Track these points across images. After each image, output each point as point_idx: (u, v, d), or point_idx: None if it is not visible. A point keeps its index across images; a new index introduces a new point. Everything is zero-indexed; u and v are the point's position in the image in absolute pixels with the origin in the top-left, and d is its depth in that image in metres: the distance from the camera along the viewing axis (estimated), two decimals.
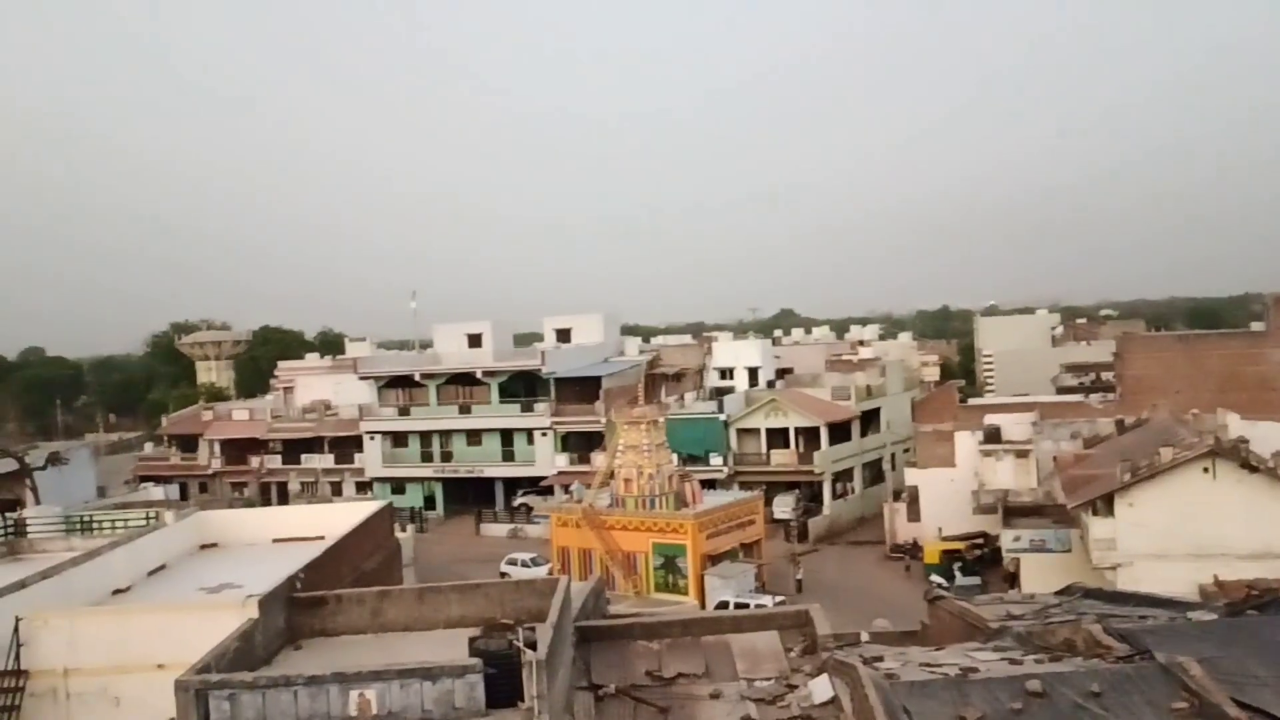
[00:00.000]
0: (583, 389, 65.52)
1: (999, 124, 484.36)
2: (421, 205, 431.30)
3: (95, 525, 29.86)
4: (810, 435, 59.60)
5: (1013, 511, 43.64)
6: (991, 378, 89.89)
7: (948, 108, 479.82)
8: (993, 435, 49.42)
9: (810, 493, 59.73)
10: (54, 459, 53.79)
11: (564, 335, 75.75)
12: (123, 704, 17.97)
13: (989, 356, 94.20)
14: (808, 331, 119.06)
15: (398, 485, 68.29)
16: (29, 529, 29.98)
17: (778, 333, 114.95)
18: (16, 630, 18.34)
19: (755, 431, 61.10)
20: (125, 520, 30.06)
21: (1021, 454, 48.00)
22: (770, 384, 68.53)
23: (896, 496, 55.20)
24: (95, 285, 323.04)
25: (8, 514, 35.74)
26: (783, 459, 59.88)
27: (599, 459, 55.49)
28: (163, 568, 25.82)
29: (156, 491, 55.99)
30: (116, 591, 23.15)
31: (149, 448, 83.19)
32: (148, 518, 29.86)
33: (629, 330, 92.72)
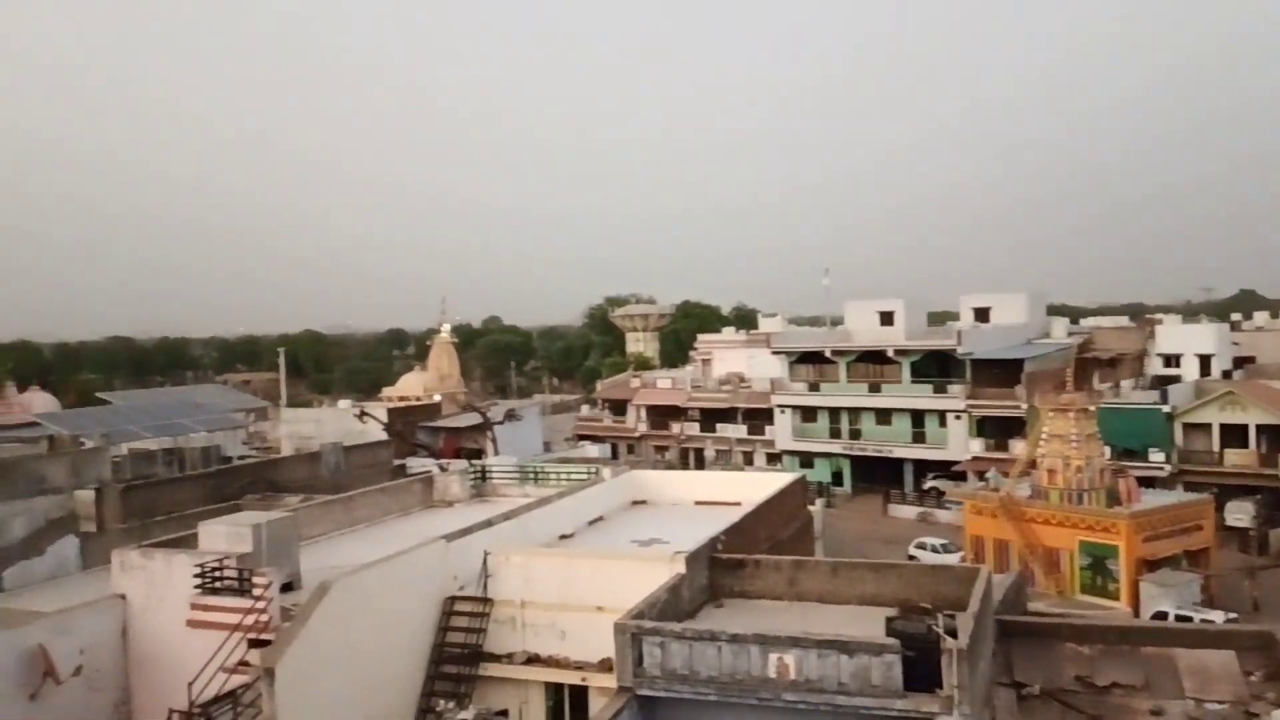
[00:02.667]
0: (1002, 372, 62.13)
1: None
2: (829, 186, 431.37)
3: (544, 475, 33.36)
4: (1276, 434, 52.00)
5: None
6: None
7: None
8: None
9: (1273, 500, 52.12)
10: (510, 415, 61.06)
11: (982, 315, 72.31)
12: (567, 638, 20.00)
13: None
14: (1275, 315, 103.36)
15: (806, 459, 69.30)
16: (491, 475, 34.16)
17: (1236, 316, 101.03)
18: (485, 563, 21.07)
19: (1206, 427, 54.42)
20: (569, 473, 33.29)
21: None
22: (1226, 374, 60.70)
23: None
24: (543, 262, 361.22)
25: (473, 461, 41.23)
26: (1240, 460, 52.84)
27: (1018, 446, 52.57)
28: (600, 519, 28.34)
29: (592, 450, 61.46)
30: (563, 536, 25.79)
31: (585, 409, 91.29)
32: (588, 473, 32.85)
33: (1055, 310, 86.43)
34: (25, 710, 17.65)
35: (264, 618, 17.99)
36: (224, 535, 20.17)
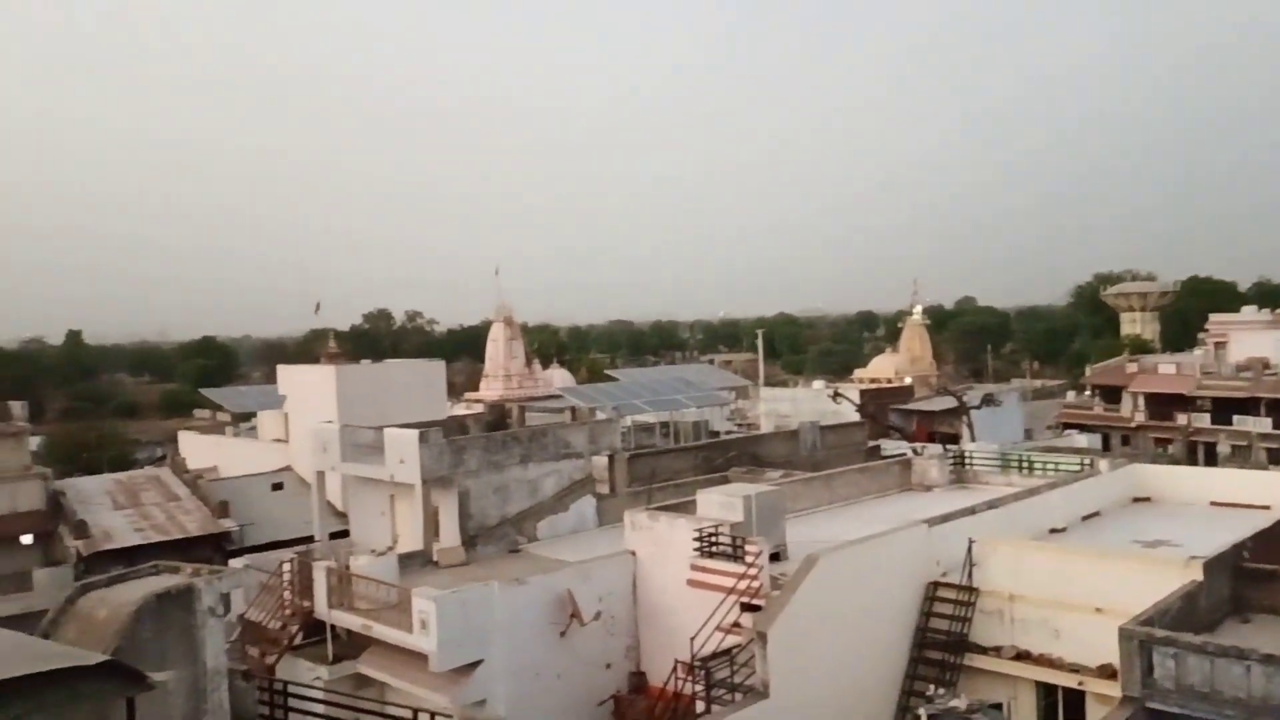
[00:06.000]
0: None
1: None
2: None
3: (1030, 465, 31.47)
4: None
5: None
6: None
7: None
8: None
9: None
10: (988, 400, 58.58)
11: None
12: (1061, 637, 18.76)
13: None
14: None
15: None
16: (971, 462, 32.97)
17: None
18: (970, 551, 20.45)
19: None
20: (1057, 464, 31.06)
21: None
22: None
23: None
24: (1023, 238, 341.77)
25: (948, 446, 40.04)
26: None
27: None
28: (1096, 514, 26.23)
29: (1080, 439, 56.97)
30: (1053, 530, 24.26)
31: (1070, 396, 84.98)
32: (1081, 464, 30.46)
33: None
34: (558, 645, 20.40)
35: (755, 584, 19.07)
36: (718, 504, 21.68)
